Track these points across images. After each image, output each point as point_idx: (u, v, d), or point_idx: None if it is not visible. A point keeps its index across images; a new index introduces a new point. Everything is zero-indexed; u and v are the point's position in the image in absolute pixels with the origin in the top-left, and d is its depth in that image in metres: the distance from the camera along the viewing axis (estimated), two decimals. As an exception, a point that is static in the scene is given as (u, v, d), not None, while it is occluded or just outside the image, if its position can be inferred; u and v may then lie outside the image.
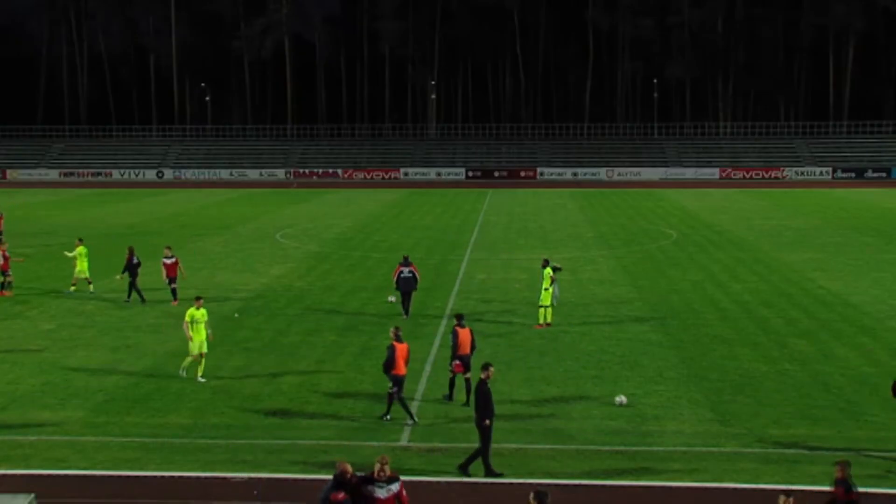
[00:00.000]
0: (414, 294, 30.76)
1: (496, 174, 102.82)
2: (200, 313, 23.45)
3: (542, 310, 29.05)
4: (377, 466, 13.23)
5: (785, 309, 31.68)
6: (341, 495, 12.99)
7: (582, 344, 26.82)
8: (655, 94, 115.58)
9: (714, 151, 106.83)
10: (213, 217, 63.20)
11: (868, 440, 18.92)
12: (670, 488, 16.72)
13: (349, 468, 13.16)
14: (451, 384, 21.61)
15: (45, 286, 36.10)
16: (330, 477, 13.33)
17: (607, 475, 17.20)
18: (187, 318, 23.43)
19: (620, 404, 20.84)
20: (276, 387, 22.60)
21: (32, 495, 14.37)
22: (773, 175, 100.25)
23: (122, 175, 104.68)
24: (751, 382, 22.91)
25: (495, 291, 35.16)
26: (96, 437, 19.16)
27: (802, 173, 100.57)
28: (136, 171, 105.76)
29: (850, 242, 48.30)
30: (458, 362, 21.39)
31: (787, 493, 12.45)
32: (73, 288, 34.76)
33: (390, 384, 20.14)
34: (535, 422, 20.06)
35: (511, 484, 16.74)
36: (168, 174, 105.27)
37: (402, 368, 20.13)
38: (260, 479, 16.97)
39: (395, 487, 13.21)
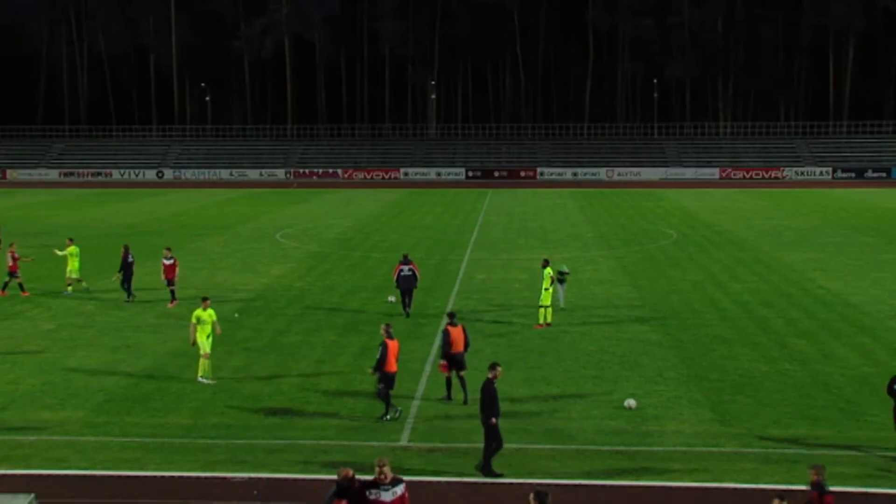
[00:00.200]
0: (414, 292, 30.81)
1: (496, 174, 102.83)
2: (207, 314, 23.36)
3: (542, 310, 29.05)
4: (377, 470, 13.13)
5: (785, 309, 31.68)
6: (344, 503, 12.87)
7: (582, 344, 26.82)
8: (655, 94, 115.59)
9: (714, 151, 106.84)
10: (213, 217, 63.20)
11: (868, 440, 18.90)
12: (670, 488, 16.72)
13: (352, 474, 13.00)
14: (448, 384, 21.58)
15: (45, 286, 36.07)
16: (330, 477, 13.26)
17: (607, 475, 17.19)
18: (193, 320, 23.38)
19: (630, 408, 20.72)
20: (276, 387, 22.59)
21: (32, 495, 14.35)
22: (773, 175, 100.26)
23: (122, 175, 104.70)
24: (751, 382, 22.91)
25: (495, 291, 35.15)
26: (96, 437, 19.16)
27: (802, 173, 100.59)
28: (136, 171, 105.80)
29: (850, 242, 48.30)
30: (443, 362, 21.42)
31: (782, 496, 12.33)
32: (69, 289, 34.77)
33: (378, 383, 20.18)
34: (535, 422, 20.04)
35: (511, 484, 16.73)
36: (168, 174, 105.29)
37: (393, 365, 20.23)
38: (260, 479, 16.97)
39: (399, 490, 13.11)
